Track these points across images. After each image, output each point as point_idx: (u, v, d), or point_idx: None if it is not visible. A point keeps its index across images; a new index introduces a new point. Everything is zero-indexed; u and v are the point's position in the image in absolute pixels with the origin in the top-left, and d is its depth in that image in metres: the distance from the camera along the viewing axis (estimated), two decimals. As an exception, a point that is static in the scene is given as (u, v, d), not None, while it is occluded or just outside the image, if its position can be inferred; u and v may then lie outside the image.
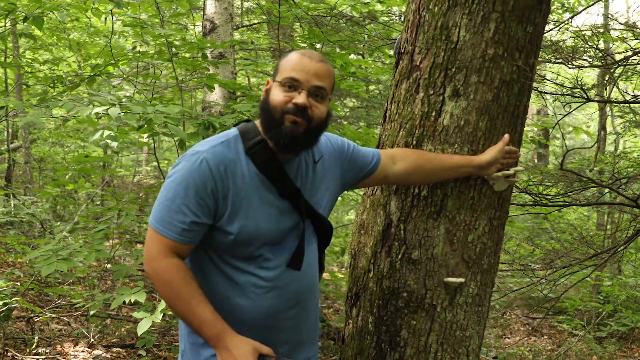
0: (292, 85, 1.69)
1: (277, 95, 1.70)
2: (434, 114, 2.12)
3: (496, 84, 2.10)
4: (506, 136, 2.11)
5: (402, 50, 2.26)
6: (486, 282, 2.21)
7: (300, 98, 1.68)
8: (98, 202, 9.25)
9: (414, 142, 2.15)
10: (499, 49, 2.09)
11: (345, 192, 2.51)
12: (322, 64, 1.73)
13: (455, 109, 2.10)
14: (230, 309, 1.72)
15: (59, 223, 7.97)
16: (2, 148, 9.62)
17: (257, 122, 1.79)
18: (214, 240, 1.71)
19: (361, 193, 2.74)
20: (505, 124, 2.15)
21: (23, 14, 3.35)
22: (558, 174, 3.12)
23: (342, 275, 6.07)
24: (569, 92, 2.63)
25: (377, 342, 2.19)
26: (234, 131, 1.77)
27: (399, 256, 2.15)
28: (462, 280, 2.12)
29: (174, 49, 3.98)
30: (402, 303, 2.15)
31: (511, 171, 2.16)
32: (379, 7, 7.25)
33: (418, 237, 2.13)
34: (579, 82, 2.50)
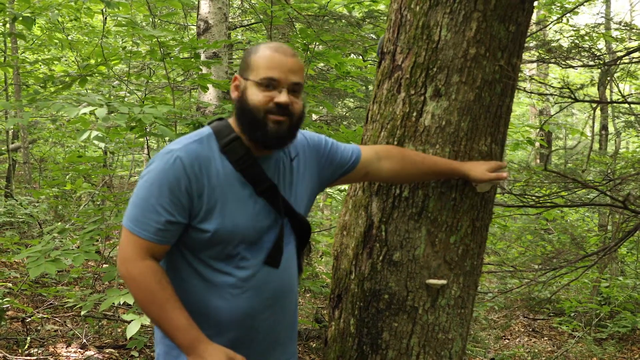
0: (270, 84, 1.67)
1: (257, 95, 1.68)
2: (415, 114, 2.10)
3: (478, 84, 2.07)
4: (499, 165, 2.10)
5: (385, 50, 2.23)
6: (469, 284, 2.18)
7: (282, 97, 1.67)
8: (98, 202, 9.25)
9: (395, 143, 2.12)
10: (480, 48, 2.06)
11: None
12: (295, 59, 1.71)
13: (436, 109, 2.08)
14: (206, 311, 1.69)
15: (59, 223, 7.97)
16: (3, 148, 9.64)
17: (230, 120, 1.77)
18: (190, 240, 1.69)
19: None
20: (487, 124, 2.12)
21: (12, 14, 3.35)
22: (550, 175, 3.09)
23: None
24: (557, 92, 2.60)
25: (358, 345, 2.17)
26: (207, 129, 1.75)
27: (380, 258, 2.13)
28: (444, 282, 2.10)
29: (166, 49, 3.97)
30: (383, 305, 2.12)
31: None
32: (380, 7, 7.22)
33: (399, 238, 2.11)
34: (566, 82, 2.48)
